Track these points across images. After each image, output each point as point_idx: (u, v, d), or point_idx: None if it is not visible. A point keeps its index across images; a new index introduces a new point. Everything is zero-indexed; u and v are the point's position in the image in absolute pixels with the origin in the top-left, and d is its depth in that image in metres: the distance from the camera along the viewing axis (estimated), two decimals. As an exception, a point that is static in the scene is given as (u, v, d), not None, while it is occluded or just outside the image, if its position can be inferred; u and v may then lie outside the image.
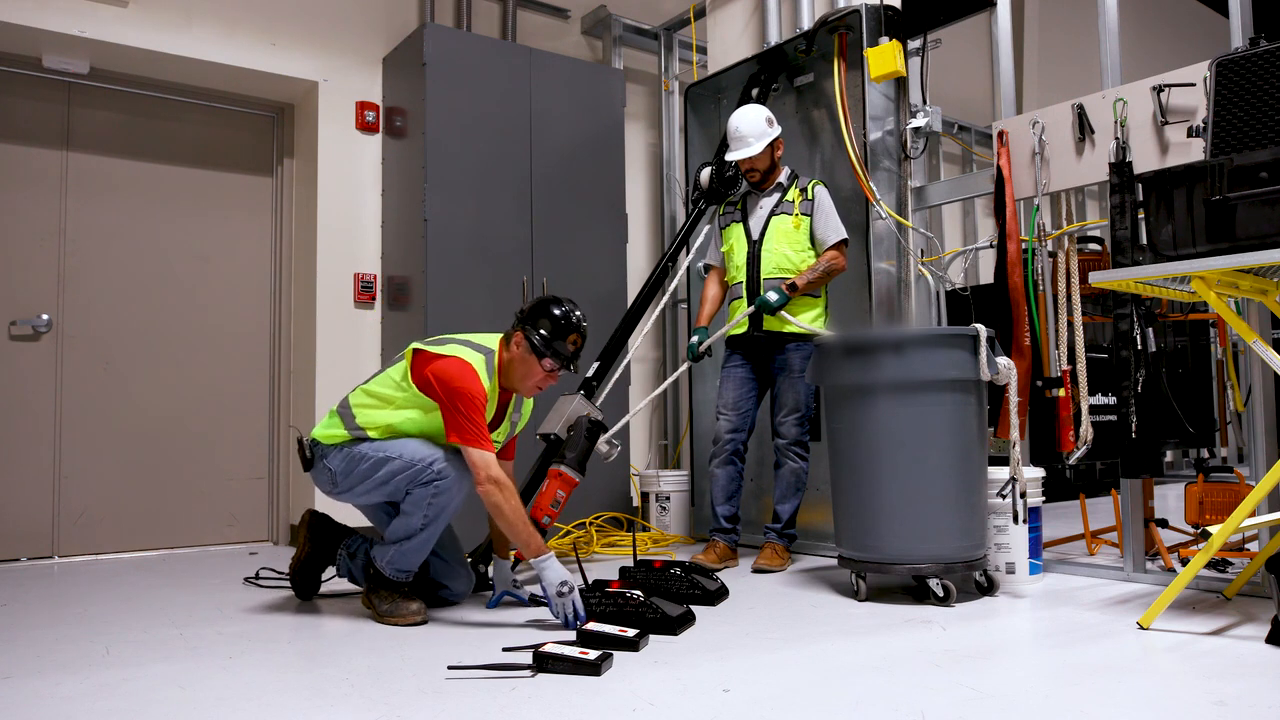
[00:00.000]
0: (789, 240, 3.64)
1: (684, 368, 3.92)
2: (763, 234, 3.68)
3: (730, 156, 3.67)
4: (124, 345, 4.37)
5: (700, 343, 3.72)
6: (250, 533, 4.62)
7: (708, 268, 3.95)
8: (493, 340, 2.93)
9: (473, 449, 2.69)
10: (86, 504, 4.22)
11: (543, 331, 2.83)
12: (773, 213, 3.69)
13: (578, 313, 2.91)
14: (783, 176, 3.74)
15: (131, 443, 4.34)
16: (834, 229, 3.65)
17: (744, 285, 3.69)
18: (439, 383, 2.73)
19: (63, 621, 2.86)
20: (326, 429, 2.94)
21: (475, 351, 2.83)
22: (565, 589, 2.58)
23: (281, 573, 3.58)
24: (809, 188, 3.69)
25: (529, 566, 3.64)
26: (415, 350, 2.85)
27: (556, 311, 2.86)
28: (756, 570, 3.52)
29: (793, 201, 3.68)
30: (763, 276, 3.64)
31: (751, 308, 3.61)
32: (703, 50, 5.08)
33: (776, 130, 3.68)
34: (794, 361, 3.61)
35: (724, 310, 3.86)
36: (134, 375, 4.37)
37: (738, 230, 3.76)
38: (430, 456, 2.79)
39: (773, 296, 3.51)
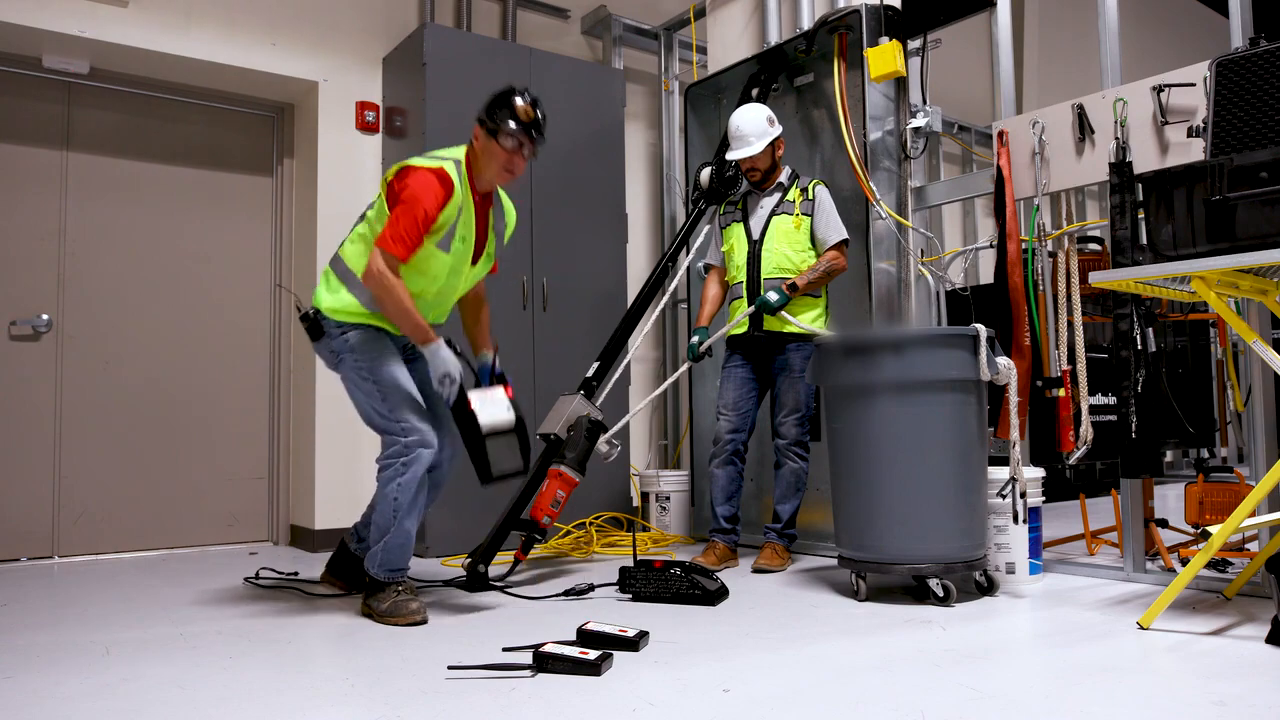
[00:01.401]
0: (789, 240, 3.65)
1: (684, 368, 3.91)
2: (763, 234, 3.68)
3: (731, 156, 3.67)
4: (124, 345, 4.37)
5: (701, 343, 3.72)
6: (250, 533, 4.62)
7: (708, 267, 3.95)
8: (460, 150, 3.01)
9: (381, 249, 2.73)
10: (86, 504, 4.22)
11: (495, 113, 2.92)
12: (773, 212, 3.69)
13: (528, 91, 3.01)
14: (783, 176, 3.74)
15: (131, 442, 4.34)
16: (835, 229, 3.65)
17: (744, 285, 3.69)
18: (401, 188, 2.78)
19: (63, 622, 2.86)
20: (329, 297, 2.94)
21: (448, 159, 2.91)
22: (447, 381, 2.80)
23: (281, 572, 3.58)
24: (810, 188, 3.69)
25: (528, 565, 3.66)
26: (395, 170, 2.89)
27: (503, 91, 2.96)
28: (756, 570, 3.53)
29: (793, 201, 3.68)
30: (763, 276, 3.64)
31: (752, 308, 3.61)
32: (703, 50, 5.08)
33: (778, 130, 3.68)
34: (794, 362, 3.61)
35: (724, 310, 3.86)
36: (134, 375, 4.37)
37: (738, 230, 3.76)
38: (403, 423, 2.85)
39: (773, 296, 3.52)
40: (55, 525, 4.16)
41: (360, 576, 3.07)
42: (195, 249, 4.56)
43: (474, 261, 3.00)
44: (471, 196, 2.93)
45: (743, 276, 3.70)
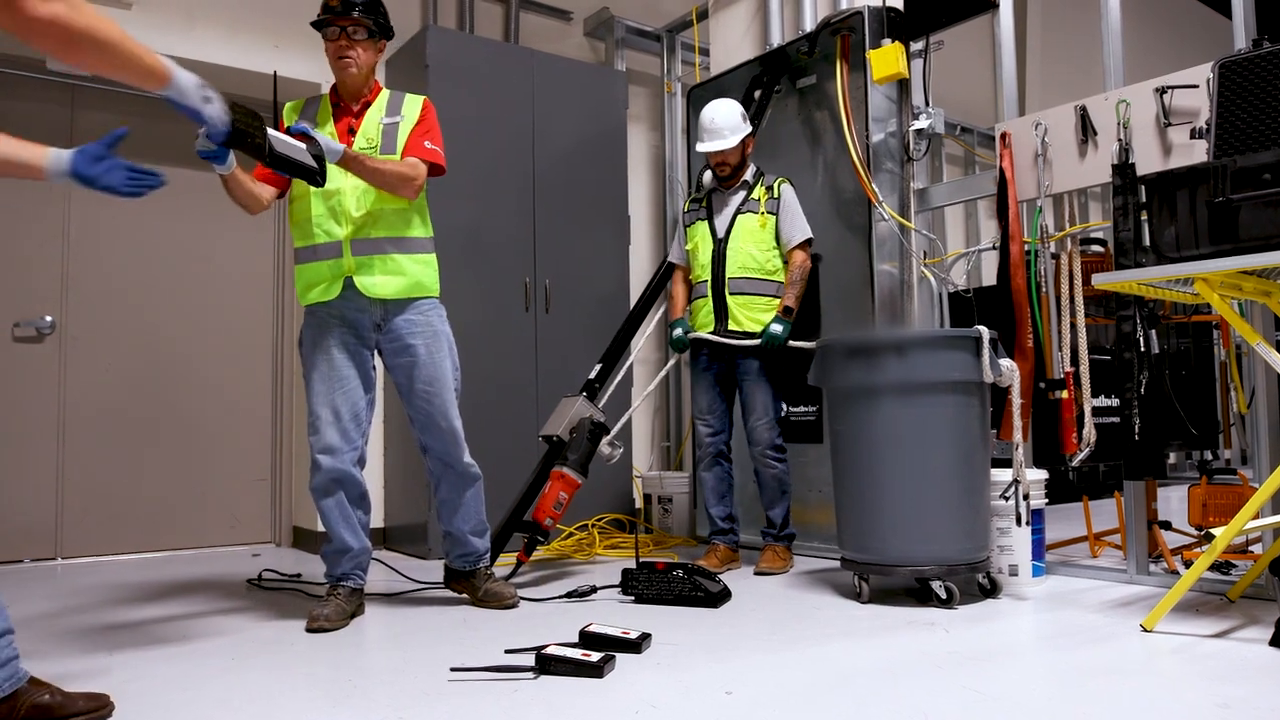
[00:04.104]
0: (754, 239, 3.62)
1: (671, 363, 3.90)
2: (728, 232, 3.65)
3: (704, 148, 3.63)
4: (127, 347, 4.37)
5: (687, 332, 3.66)
6: (253, 534, 4.63)
7: (672, 266, 3.90)
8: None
9: None
10: (89, 505, 4.22)
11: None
12: (738, 211, 3.66)
13: None
14: (748, 174, 3.72)
15: (134, 444, 4.34)
16: (800, 228, 3.64)
17: (709, 284, 3.64)
18: None
19: (66, 624, 2.86)
20: None
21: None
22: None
23: (284, 574, 3.58)
24: (775, 185, 3.68)
25: (530, 567, 3.65)
26: None
27: None
28: (759, 573, 3.52)
29: (759, 200, 3.65)
30: (728, 276, 3.60)
31: (756, 341, 3.54)
32: (705, 52, 5.08)
33: (749, 126, 3.68)
34: (755, 364, 3.59)
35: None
36: (136, 377, 4.38)
37: (702, 228, 3.71)
38: (311, 427, 2.84)
39: (778, 329, 3.50)
40: (58, 526, 4.16)
41: (455, 575, 3.07)
42: (198, 250, 4.57)
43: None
44: (329, 106, 2.93)
45: (707, 275, 3.65)
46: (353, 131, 2.89)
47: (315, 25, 2.88)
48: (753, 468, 3.68)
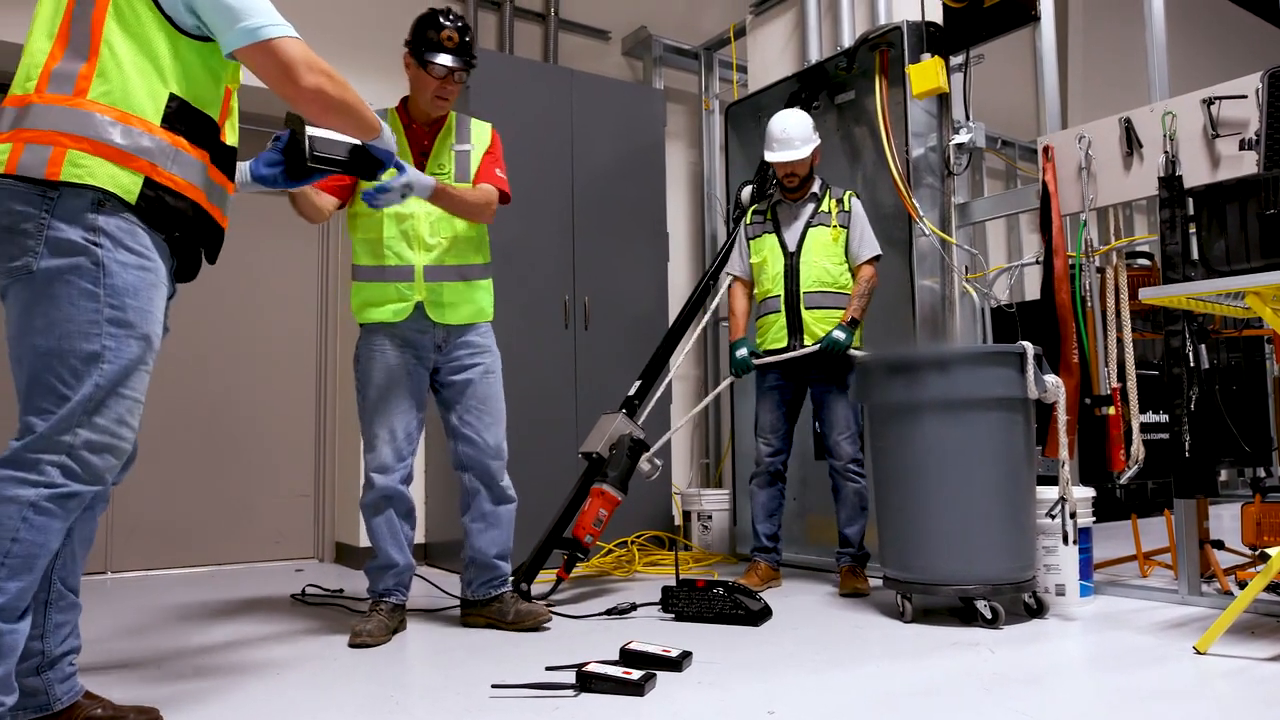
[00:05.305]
0: (828, 253, 3.60)
1: (726, 383, 3.88)
2: (800, 245, 3.63)
3: (776, 158, 3.59)
4: (173, 363, 4.44)
5: (752, 353, 3.63)
6: (296, 550, 4.68)
7: (732, 278, 3.86)
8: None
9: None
10: (138, 521, 4.30)
11: (420, 43, 2.84)
12: (809, 224, 3.64)
13: (451, 12, 2.89)
14: (815, 186, 3.69)
15: (181, 460, 4.42)
16: (870, 244, 3.62)
17: (781, 299, 3.62)
18: None
19: (114, 637, 2.91)
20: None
21: (389, 107, 2.97)
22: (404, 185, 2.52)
23: (327, 590, 3.62)
24: (845, 198, 3.65)
25: (570, 584, 3.66)
26: None
27: (424, 16, 2.87)
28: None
29: (829, 212, 3.63)
30: (803, 290, 3.58)
31: (815, 346, 3.50)
32: (743, 69, 5.09)
33: (818, 138, 3.67)
34: (837, 376, 3.56)
35: (751, 324, 3.80)
36: (183, 393, 4.45)
37: (771, 241, 3.69)
38: (367, 444, 2.90)
39: (840, 336, 3.45)
40: (108, 541, 4.24)
41: (476, 604, 3.03)
42: (243, 265, 4.64)
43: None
44: (400, 124, 2.92)
45: (779, 290, 3.63)
46: (425, 154, 2.94)
47: (418, 53, 2.84)
48: (828, 482, 3.62)
